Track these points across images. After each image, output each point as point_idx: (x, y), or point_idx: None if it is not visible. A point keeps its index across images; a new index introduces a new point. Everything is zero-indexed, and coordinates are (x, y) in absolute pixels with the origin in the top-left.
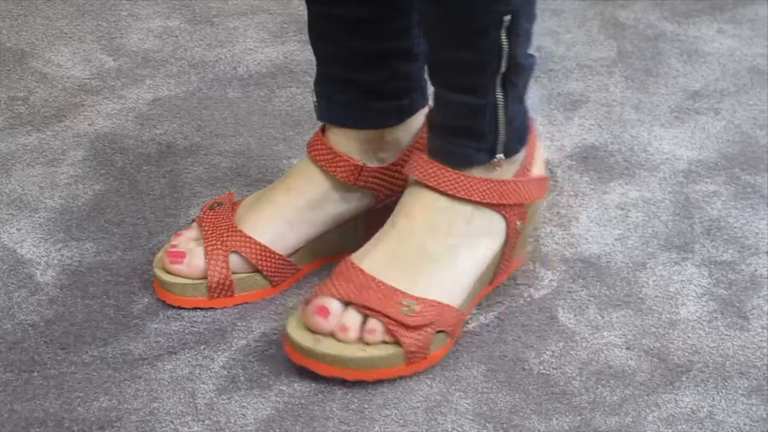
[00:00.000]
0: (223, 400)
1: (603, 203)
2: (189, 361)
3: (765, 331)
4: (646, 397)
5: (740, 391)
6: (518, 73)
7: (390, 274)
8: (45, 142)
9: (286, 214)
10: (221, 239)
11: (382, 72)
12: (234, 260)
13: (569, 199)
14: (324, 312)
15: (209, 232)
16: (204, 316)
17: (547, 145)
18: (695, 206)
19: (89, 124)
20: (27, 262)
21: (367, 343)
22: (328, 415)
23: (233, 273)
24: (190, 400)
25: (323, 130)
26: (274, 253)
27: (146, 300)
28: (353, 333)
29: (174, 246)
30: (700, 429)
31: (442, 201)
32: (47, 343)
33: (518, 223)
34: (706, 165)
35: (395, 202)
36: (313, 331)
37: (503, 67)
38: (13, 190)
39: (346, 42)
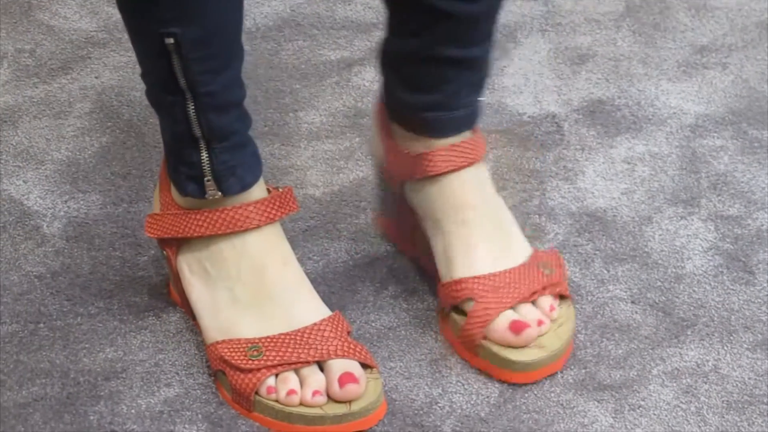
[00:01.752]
0: None
1: (609, 157)
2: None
3: None
4: (651, 351)
5: (745, 345)
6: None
7: (501, 261)
8: (51, 95)
9: (302, 272)
10: (329, 339)
11: None
12: None
13: (575, 153)
14: (524, 325)
15: (314, 349)
16: None
17: (555, 99)
18: (702, 161)
19: (96, 77)
20: (33, 214)
21: (554, 319)
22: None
23: None
24: (196, 352)
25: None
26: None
27: (152, 252)
28: (548, 319)
29: (319, 391)
30: (705, 383)
31: (473, 172)
32: (53, 294)
33: None
34: (713, 119)
35: None
36: (526, 344)
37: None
38: (19, 142)
39: None
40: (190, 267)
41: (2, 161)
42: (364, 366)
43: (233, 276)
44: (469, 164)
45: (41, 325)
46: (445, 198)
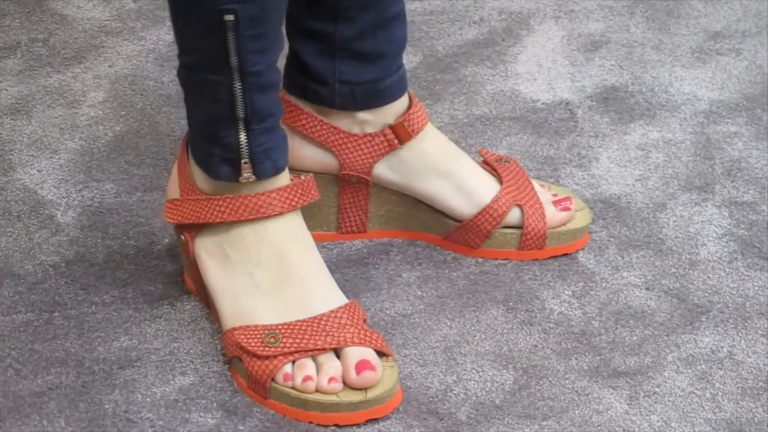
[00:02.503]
0: None
1: (623, 144)
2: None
3: None
4: (665, 338)
5: (760, 332)
6: None
7: None
8: (65, 84)
9: (321, 259)
10: (346, 326)
11: None
12: None
13: (589, 139)
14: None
15: (330, 336)
16: None
17: (568, 85)
18: (716, 147)
19: (109, 66)
20: (48, 203)
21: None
22: None
23: None
24: (210, 340)
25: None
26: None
27: (166, 241)
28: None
29: (335, 378)
30: (720, 369)
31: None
32: (68, 283)
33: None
34: (727, 106)
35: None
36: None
37: None
38: (33, 132)
39: None
40: (208, 252)
41: (16, 151)
42: (380, 354)
43: (254, 261)
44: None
45: (56, 314)
46: (437, 145)
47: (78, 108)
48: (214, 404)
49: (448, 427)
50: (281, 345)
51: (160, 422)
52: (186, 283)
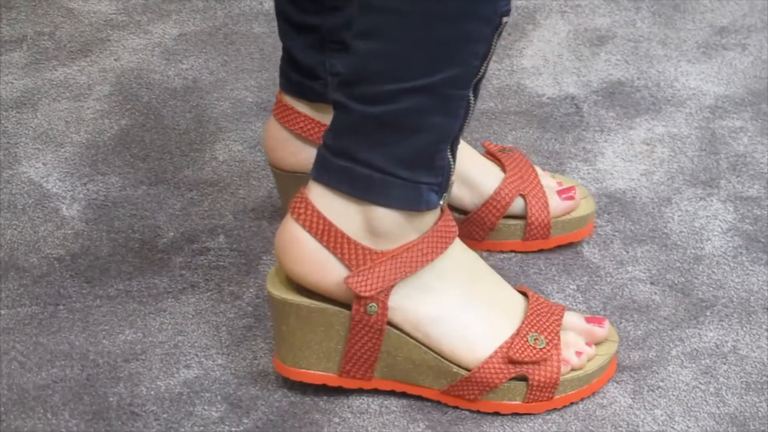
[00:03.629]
0: (248, 334)
1: (629, 138)
2: (214, 296)
3: None
4: (670, 332)
5: (764, 327)
6: None
7: None
8: (71, 77)
9: None
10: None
11: None
12: None
13: (595, 134)
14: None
15: (551, 317)
16: (230, 251)
17: (574, 80)
18: (721, 142)
19: (115, 59)
20: (53, 196)
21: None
22: None
23: None
24: (215, 333)
25: None
26: None
27: (171, 234)
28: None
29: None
30: (724, 364)
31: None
32: (73, 276)
33: None
34: (732, 100)
35: None
36: None
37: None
38: (39, 125)
39: None
40: (404, 307)
41: (22, 144)
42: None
43: (462, 282)
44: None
45: (61, 307)
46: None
47: (84, 101)
48: (219, 397)
49: (452, 420)
50: (547, 345)
51: (165, 415)
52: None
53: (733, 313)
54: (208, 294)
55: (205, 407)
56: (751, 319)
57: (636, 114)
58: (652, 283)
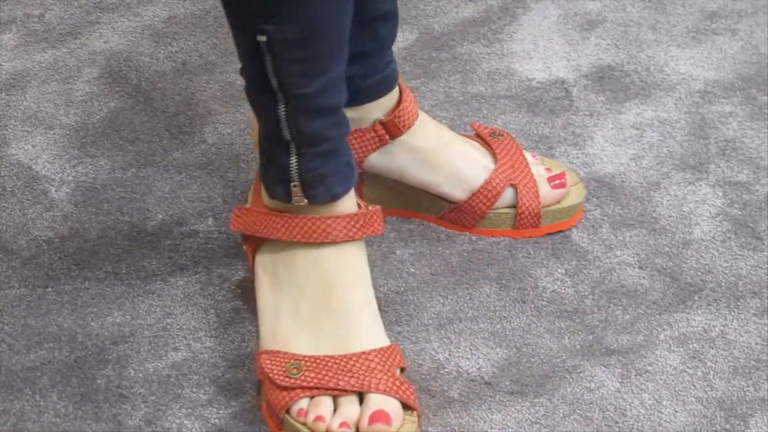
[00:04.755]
0: (237, 316)
1: (618, 123)
2: (202, 278)
3: None
4: (658, 316)
5: (752, 311)
6: None
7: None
8: (60, 60)
9: (373, 299)
10: (374, 372)
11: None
12: None
13: (584, 118)
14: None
15: (355, 379)
16: (219, 234)
17: (564, 64)
18: (711, 126)
19: (104, 42)
20: (42, 179)
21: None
22: None
23: None
24: (203, 316)
25: None
26: (397, 343)
27: (160, 217)
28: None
29: (347, 423)
30: (712, 348)
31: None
32: (61, 258)
33: None
34: (722, 85)
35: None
36: None
37: None
38: (28, 107)
39: None
40: (264, 267)
41: (11, 126)
42: (406, 407)
43: (301, 285)
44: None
45: (49, 289)
46: (428, 135)
47: (73, 84)
48: (207, 380)
49: (440, 404)
50: (302, 378)
51: (153, 397)
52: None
53: (721, 298)
54: (197, 276)
55: (194, 390)
56: (739, 303)
57: (625, 98)
58: (640, 268)
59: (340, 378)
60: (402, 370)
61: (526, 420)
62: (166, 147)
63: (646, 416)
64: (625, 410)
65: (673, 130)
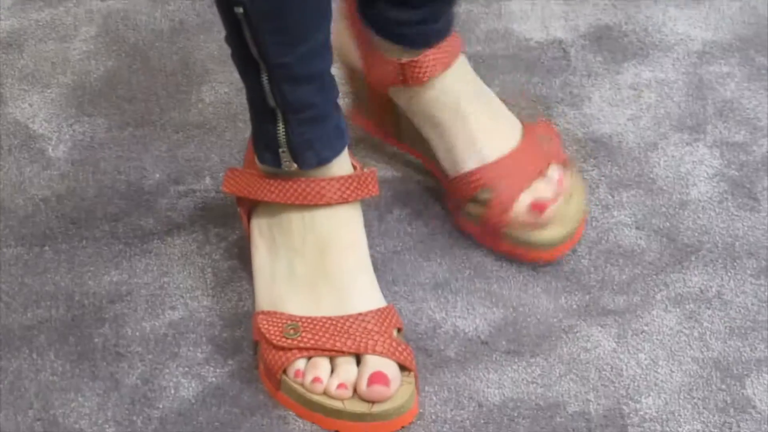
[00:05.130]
0: (233, 276)
1: (616, 83)
2: (199, 237)
3: None
4: (654, 277)
5: (749, 272)
6: None
7: (506, 142)
8: (57, 18)
9: (369, 261)
10: (371, 333)
11: None
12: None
13: (582, 78)
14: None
15: (352, 340)
16: (216, 193)
17: (561, 24)
18: (708, 87)
19: (101, 1)
20: (39, 138)
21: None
22: None
23: None
24: (200, 275)
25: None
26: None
27: (157, 176)
28: (560, 192)
29: (345, 384)
30: (708, 308)
31: (457, 69)
32: (58, 217)
33: None
34: (720, 46)
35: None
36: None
37: None
38: (25, 66)
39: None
40: (260, 230)
41: (8, 84)
42: (403, 368)
43: (296, 248)
44: (454, 60)
45: (46, 248)
46: (442, 99)
47: (70, 42)
48: (204, 339)
49: (437, 363)
50: (299, 339)
51: (150, 356)
52: None
53: (717, 258)
54: (194, 236)
55: (190, 348)
56: (735, 264)
57: (623, 59)
58: (637, 228)
59: (337, 339)
60: (399, 330)
61: (523, 379)
62: (164, 106)
63: (642, 376)
64: (622, 370)
65: (670, 91)
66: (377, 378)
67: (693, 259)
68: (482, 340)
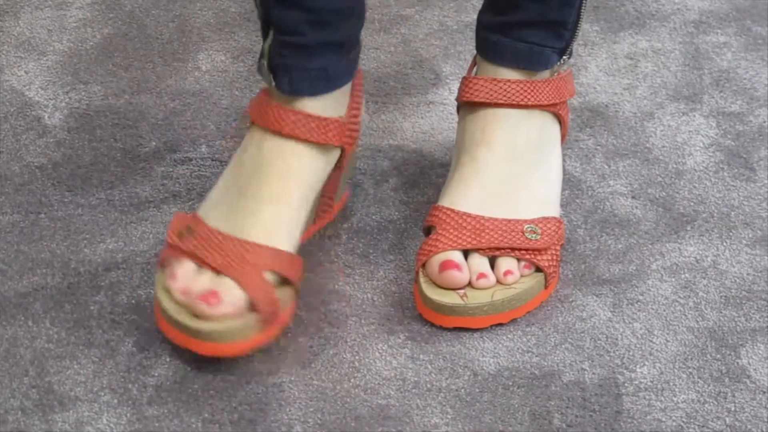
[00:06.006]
0: None
1: (612, 53)
2: (195, 205)
3: None
4: (650, 246)
5: (744, 241)
6: None
7: (492, 208)
8: None
9: (291, 205)
10: (244, 261)
11: (350, 21)
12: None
13: (578, 48)
14: (454, 265)
15: (221, 257)
16: (212, 161)
17: None
18: (705, 57)
19: None
20: (35, 105)
21: (507, 284)
22: (332, 259)
23: None
24: None
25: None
26: (297, 258)
27: (153, 144)
28: (492, 277)
29: (185, 293)
30: (704, 278)
31: (514, 115)
32: (54, 185)
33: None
34: (717, 16)
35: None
36: (451, 288)
37: None
38: (21, 33)
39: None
40: (242, 145)
41: (3, 52)
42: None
43: (243, 166)
44: (512, 106)
45: (42, 215)
46: (473, 129)
47: (66, 10)
48: None
49: (432, 332)
50: (182, 241)
51: (145, 324)
52: None
53: (713, 228)
54: (190, 204)
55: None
56: (731, 234)
57: (620, 28)
58: (633, 197)
59: (212, 252)
60: (288, 284)
61: (518, 348)
62: (160, 74)
63: (638, 345)
64: (617, 339)
65: (667, 61)
66: (208, 294)
67: (689, 228)
68: None
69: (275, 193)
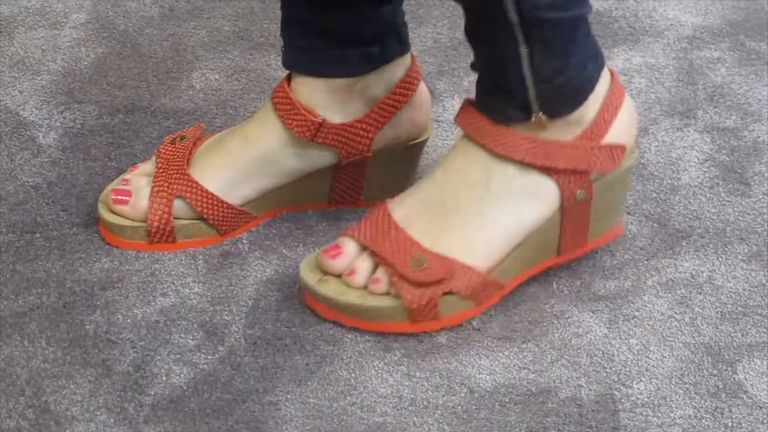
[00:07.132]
0: (224, 262)
1: None
2: None
3: (766, 197)
4: (645, 262)
5: (740, 257)
6: (542, 26)
7: (415, 225)
8: (47, 5)
9: (240, 163)
10: (168, 182)
11: (345, 15)
12: (178, 206)
13: None
14: (335, 251)
15: (160, 172)
16: None
17: None
18: (699, 72)
19: None
20: (29, 125)
21: (371, 292)
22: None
23: (176, 219)
24: (191, 261)
25: (289, 78)
26: (221, 201)
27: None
28: (360, 278)
29: (125, 182)
30: (699, 293)
31: (483, 156)
32: (49, 204)
33: (578, 192)
34: (710, 31)
35: (379, 158)
36: (323, 271)
37: (514, 19)
38: (15, 53)
39: None
40: None
41: None
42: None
43: (240, 127)
44: (484, 148)
45: (37, 235)
46: (456, 152)
47: (60, 29)
48: (195, 325)
49: (428, 349)
50: (155, 182)
51: (141, 343)
52: None
53: (708, 244)
54: None
55: (182, 335)
56: (726, 249)
57: (614, 44)
58: (628, 213)
59: (162, 188)
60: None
61: (514, 365)
62: (154, 93)
63: (634, 361)
64: (613, 355)
65: (661, 76)
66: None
67: (684, 244)
68: (474, 326)
69: (223, 154)
